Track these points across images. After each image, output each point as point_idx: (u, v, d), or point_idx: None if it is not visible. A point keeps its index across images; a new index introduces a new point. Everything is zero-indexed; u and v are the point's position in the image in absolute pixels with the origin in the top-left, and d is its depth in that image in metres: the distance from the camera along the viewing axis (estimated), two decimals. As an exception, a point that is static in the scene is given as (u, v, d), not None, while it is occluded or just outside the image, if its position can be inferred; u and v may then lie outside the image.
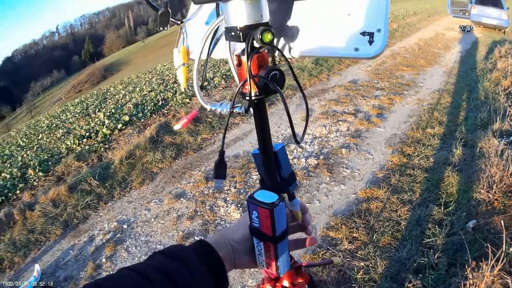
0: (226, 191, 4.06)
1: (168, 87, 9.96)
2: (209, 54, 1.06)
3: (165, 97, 8.20)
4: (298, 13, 0.93)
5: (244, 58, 0.85)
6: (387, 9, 0.79)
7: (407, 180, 3.85)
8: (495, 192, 3.10)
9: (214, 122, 5.97)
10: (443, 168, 3.95)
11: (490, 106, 5.24)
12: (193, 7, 1.19)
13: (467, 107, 5.71)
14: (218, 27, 1.02)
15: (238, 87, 0.88)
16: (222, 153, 0.93)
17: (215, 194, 4.05)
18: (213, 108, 1.01)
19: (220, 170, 0.94)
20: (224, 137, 0.88)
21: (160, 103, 7.61)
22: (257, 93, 0.87)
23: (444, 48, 11.11)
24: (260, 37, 0.79)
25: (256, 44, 0.81)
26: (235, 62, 0.89)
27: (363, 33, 0.82)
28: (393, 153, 4.50)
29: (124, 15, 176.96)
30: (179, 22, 1.14)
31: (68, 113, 13.84)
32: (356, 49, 0.82)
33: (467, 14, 16.85)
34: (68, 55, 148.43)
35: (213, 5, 1.03)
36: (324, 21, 0.89)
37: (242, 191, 4.03)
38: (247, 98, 0.87)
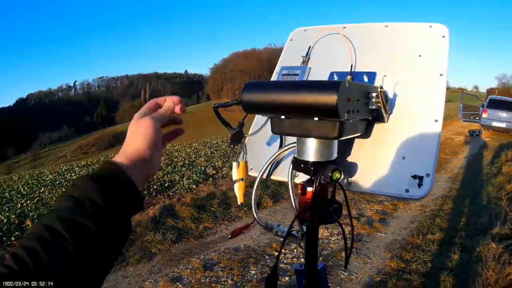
0: (223, 282, 4.11)
1: (176, 169, 10.09)
2: (269, 176, 1.23)
3: (172, 179, 8.35)
4: (358, 150, 1.13)
5: (309, 189, 1.01)
6: (436, 156, 1.00)
7: (404, 284, 3.92)
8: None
9: (218, 212, 6.10)
10: (440, 273, 4.05)
11: (491, 210, 5.44)
12: (256, 123, 1.37)
13: (469, 213, 5.89)
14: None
15: (298, 212, 1.03)
16: (275, 267, 1.05)
17: (212, 284, 4.10)
18: (269, 227, 1.19)
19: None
20: (278, 257, 1.06)
21: (166, 184, 7.78)
22: (315, 222, 1.03)
23: (451, 154, 11.57)
24: (330, 175, 0.96)
25: (322, 180, 0.97)
26: (298, 190, 1.04)
27: (414, 176, 1.01)
28: (392, 258, 4.59)
29: (142, 86, 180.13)
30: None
31: (73, 173, 13.94)
32: (407, 191, 1.00)
33: (477, 118, 17.29)
34: (80, 113, 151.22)
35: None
36: (381, 161, 1.07)
37: (239, 284, 4.09)
38: (305, 224, 1.05)
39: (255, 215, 1.19)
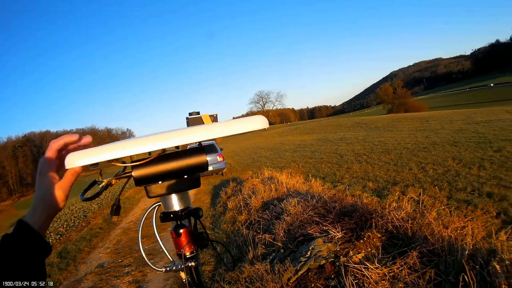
0: None
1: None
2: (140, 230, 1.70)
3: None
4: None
5: (180, 231, 1.53)
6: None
7: None
8: None
9: None
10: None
11: (236, 242, 6.31)
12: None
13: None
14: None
15: (184, 248, 1.53)
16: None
17: None
18: (168, 269, 1.61)
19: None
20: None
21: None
22: (193, 251, 1.57)
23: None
24: (200, 214, 1.54)
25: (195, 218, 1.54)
26: (173, 235, 1.55)
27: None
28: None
29: None
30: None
31: None
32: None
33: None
34: None
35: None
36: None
37: None
38: (190, 255, 1.54)
39: (150, 265, 1.63)
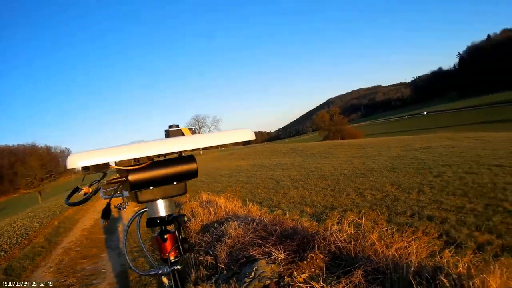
0: None
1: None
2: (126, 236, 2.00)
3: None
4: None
5: (165, 236, 1.72)
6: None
7: None
8: None
9: None
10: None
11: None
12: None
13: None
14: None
15: (168, 253, 1.73)
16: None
17: None
18: (152, 273, 1.82)
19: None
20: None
21: None
22: (177, 256, 1.74)
23: (110, 233, 12.55)
24: (185, 219, 1.72)
25: (181, 223, 1.69)
26: (158, 241, 1.74)
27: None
28: None
29: None
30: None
31: None
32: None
33: (119, 192, 17.57)
34: None
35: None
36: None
37: None
38: (175, 259, 1.74)
39: (134, 269, 1.89)
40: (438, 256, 3.64)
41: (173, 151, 1.53)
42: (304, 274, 3.73)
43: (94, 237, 12.64)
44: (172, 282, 1.80)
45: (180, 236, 1.75)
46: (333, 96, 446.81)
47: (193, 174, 1.67)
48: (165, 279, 1.81)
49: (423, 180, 14.89)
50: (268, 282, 3.83)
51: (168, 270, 1.77)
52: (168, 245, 1.75)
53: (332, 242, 4.35)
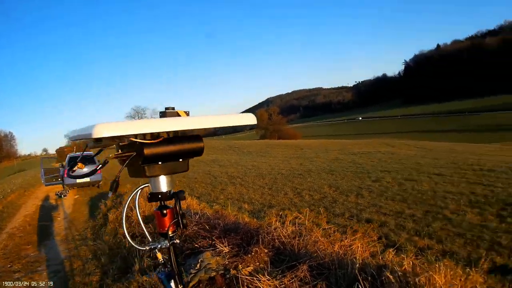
0: None
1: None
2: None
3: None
4: None
5: (164, 211, 1.83)
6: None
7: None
8: None
9: None
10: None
11: (120, 254, 6.24)
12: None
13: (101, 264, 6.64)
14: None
15: (168, 227, 1.83)
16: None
17: None
18: (153, 247, 1.92)
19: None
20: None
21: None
22: (175, 231, 1.87)
23: (52, 220, 12.64)
24: (184, 195, 1.85)
25: (181, 199, 1.83)
26: (158, 215, 1.85)
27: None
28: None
29: None
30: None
31: None
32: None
33: (60, 179, 18.99)
34: None
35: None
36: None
37: None
38: (173, 233, 1.87)
39: (133, 243, 1.97)
40: (380, 257, 3.84)
41: (188, 128, 1.66)
42: (249, 268, 3.80)
43: (37, 224, 12.42)
44: (171, 255, 1.91)
45: (181, 211, 1.84)
46: (273, 96, 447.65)
47: (199, 151, 1.85)
48: (159, 255, 1.92)
49: (361, 184, 15.36)
50: (214, 274, 3.88)
51: (167, 244, 1.87)
52: (167, 220, 1.84)
53: (276, 237, 4.45)
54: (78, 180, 19.38)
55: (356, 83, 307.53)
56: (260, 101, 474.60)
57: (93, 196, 16.79)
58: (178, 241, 1.90)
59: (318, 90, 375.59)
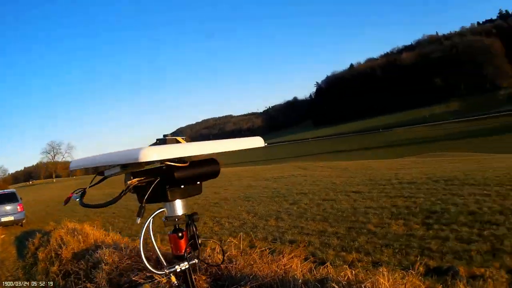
0: None
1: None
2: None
3: None
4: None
5: (180, 234, 1.92)
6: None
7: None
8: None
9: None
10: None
11: None
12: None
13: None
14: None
15: (185, 249, 1.90)
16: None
17: None
18: (172, 270, 1.95)
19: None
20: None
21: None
22: (190, 252, 1.93)
23: None
24: (198, 217, 1.94)
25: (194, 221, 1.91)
26: (173, 238, 1.93)
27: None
28: None
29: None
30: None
31: None
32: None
33: None
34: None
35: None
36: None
37: None
38: (188, 255, 1.92)
39: (150, 268, 2.01)
40: (317, 272, 3.96)
41: (209, 152, 1.85)
42: (192, 296, 3.83)
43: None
44: (188, 276, 1.98)
45: (196, 233, 1.93)
46: (183, 126, 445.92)
47: (215, 174, 1.99)
48: (173, 278, 1.98)
49: (279, 208, 15.65)
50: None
51: (186, 265, 1.93)
52: (184, 242, 1.92)
53: (211, 264, 4.51)
54: (4, 219, 19.13)
55: (266, 109, 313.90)
56: (171, 131, 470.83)
57: (18, 235, 16.24)
58: (196, 260, 1.97)
59: (228, 118, 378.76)
